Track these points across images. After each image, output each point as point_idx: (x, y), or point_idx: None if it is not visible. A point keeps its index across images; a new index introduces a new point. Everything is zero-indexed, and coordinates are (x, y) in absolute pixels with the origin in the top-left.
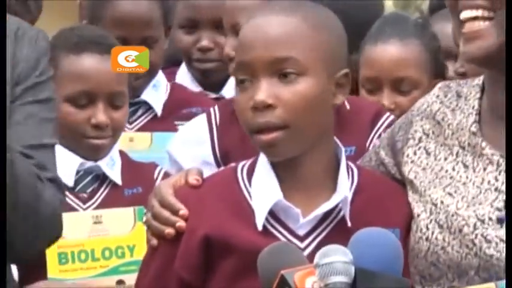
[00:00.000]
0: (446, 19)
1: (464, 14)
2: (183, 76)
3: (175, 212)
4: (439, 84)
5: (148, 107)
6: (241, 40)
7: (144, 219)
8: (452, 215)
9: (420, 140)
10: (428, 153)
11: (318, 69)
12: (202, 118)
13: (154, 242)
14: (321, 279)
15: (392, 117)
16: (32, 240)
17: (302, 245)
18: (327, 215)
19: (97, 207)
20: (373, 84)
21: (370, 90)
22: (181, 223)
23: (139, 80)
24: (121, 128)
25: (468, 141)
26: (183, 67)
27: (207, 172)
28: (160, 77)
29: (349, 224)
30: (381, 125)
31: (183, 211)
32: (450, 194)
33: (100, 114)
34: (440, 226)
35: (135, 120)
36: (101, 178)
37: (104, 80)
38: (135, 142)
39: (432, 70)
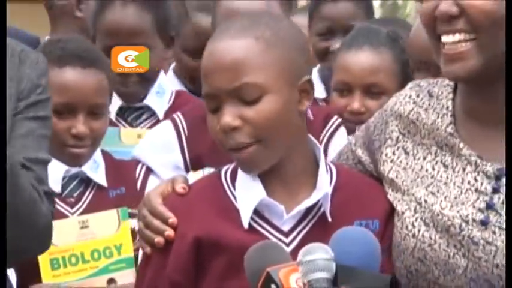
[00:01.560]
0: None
1: (446, 39)
2: (172, 82)
3: (165, 221)
4: (410, 84)
5: (153, 112)
6: (202, 69)
7: (137, 228)
8: (438, 214)
9: (398, 140)
10: (407, 153)
11: (278, 84)
12: (168, 125)
13: (148, 250)
14: (304, 275)
15: (339, 120)
16: (26, 250)
17: (287, 240)
18: (308, 211)
19: (84, 211)
20: (345, 88)
21: (341, 93)
22: (169, 232)
23: (132, 86)
24: (100, 137)
25: (445, 142)
26: (170, 74)
27: None
28: (165, 84)
29: (329, 219)
30: (331, 126)
31: (172, 219)
32: (433, 193)
33: (80, 125)
34: (427, 224)
35: (139, 124)
36: (86, 181)
37: (84, 93)
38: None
39: (401, 80)
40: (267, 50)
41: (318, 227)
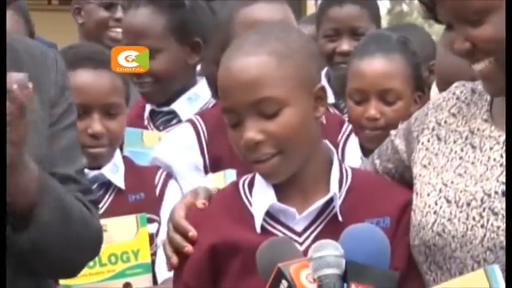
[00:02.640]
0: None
1: (474, 67)
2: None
3: (185, 235)
4: (455, 84)
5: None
6: (219, 86)
7: (163, 241)
8: (461, 191)
9: (433, 128)
10: (439, 139)
11: (295, 96)
12: (187, 127)
13: (174, 260)
14: (315, 271)
15: (350, 126)
16: (80, 261)
17: (300, 240)
18: (321, 212)
19: (103, 214)
20: (361, 95)
21: (357, 101)
22: (188, 248)
23: (147, 87)
24: (117, 137)
25: (478, 127)
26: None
27: (199, 177)
28: (202, 91)
29: (340, 218)
30: (345, 131)
31: (192, 233)
32: (460, 175)
33: (96, 124)
34: (449, 201)
35: (166, 128)
36: (106, 185)
37: (98, 92)
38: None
39: (414, 83)
40: (281, 64)
41: (330, 226)
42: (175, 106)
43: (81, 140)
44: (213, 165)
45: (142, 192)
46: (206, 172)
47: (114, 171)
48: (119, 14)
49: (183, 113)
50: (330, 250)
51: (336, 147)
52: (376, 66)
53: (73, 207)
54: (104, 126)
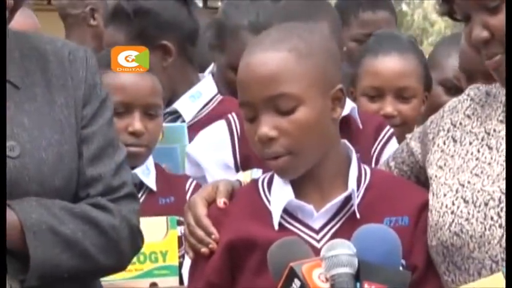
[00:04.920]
0: None
1: (487, 63)
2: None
3: (208, 235)
4: (470, 86)
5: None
6: (238, 80)
7: (182, 231)
8: (478, 191)
9: (449, 130)
10: (455, 141)
11: (312, 94)
12: (222, 124)
13: (191, 255)
14: (327, 270)
15: (392, 130)
16: (117, 259)
17: (318, 237)
18: (339, 209)
19: None
20: (376, 93)
21: (372, 98)
22: (213, 245)
23: None
24: (155, 138)
25: (494, 128)
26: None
27: (228, 175)
28: (204, 88)
29: (357, 215)
30: (383, 137)
31: (215, 236)
32: (477, 175)
33: (137, 123)
34: (466, 201)
35: None
36: (138, 186)
37: (140, 92)
38: None
39: (425, 82)
40: (300, 62)
41: (348, 224)
42: (177, 105)
43: (121, 138)
44: (244, 163)
45: (172, 196)
46: (237, 170)
47: (146, 174)
48: None
49: (185, 111)
50: (343, 249)
51: (370, 157)
52: (393, 64)
53: (77, 227)
54: (144, 125)
